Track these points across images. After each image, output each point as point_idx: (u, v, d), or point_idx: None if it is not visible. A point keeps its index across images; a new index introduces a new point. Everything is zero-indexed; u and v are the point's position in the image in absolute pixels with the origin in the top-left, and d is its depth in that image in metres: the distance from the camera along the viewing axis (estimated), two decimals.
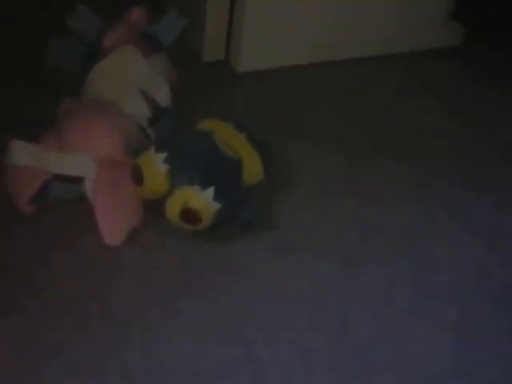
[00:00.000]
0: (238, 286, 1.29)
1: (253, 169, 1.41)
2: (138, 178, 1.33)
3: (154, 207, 1.34)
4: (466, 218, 1.49)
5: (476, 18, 1.87)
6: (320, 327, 1.25)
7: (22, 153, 1.35)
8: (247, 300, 1.27)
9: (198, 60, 1.79)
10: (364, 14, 1.81)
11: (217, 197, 1.31)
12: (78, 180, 1.35)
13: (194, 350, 1.18)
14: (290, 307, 1.27)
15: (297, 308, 1.27)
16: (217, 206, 1.31)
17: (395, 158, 1.61)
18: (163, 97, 1.48)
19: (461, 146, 1.66)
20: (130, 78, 1.48)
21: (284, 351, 1.20)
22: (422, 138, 1.68)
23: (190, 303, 1.25)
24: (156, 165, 1.33)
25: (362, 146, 1.63)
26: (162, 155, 1.33)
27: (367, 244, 1.40)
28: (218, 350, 1.19)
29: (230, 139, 1.41)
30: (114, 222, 1.33)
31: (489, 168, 1.62)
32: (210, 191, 1.31)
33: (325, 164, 1.56)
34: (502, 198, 1.54)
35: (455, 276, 1.36)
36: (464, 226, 1.46)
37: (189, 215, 1.30)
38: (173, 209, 1.31)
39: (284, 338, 1.22)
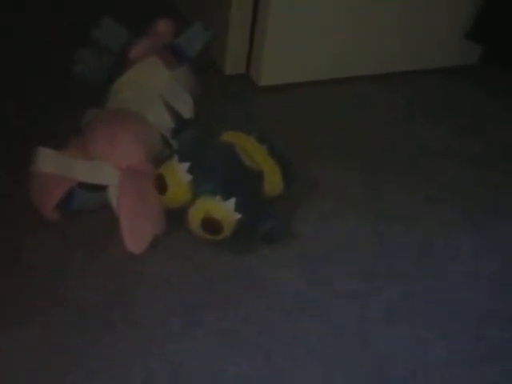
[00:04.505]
0: (257, 296, 1.31)
1: (273, 181, 1.43)
2: (161, 186, 1.35)
3: (176, 216, 1.37)
4: (480, 233, 1.51)
5: (491, 37, 1.89)
6: (338, 338, 1.26)
7: (47, 160, 1.37)
8: (267, 310, 1.29)
9: (219, 73, 1.82)
10: (380, 31, 1.84)
11: (238, 207, 1.33)
12: (102, 188, 1.37)
13: (215, 357, 1.20)
14: (308, 318, 1.29)
15: (315, 319, 1.29)
16: (237, 216, 1.33)
17: (410, 175, 1.63)
18: (186, 108, 1.50)
19: (473, 164, 1.68)
20: (154, 90, 1.50)
21: (303, 361, 1.22)
22: (435, 156, 1.70)
23: (212, 311, 1.27)
24: (179, 174, 1.35)
25: (378, 162, 1.65)
26: (186, 165, 1.36)
27: (383, 259, 1.42)
28: (239, 359, 1.20)
29: (252, 151, 1.43)
30: (137, 230, 1.34)
31: (503, 185, 1.64)
32: (232, 202, 1.33)
33: (343, 178, 1.59)
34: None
35: (468, 292, 1.38)
36: (479, 242, 1.48)
37: (210, 225, 1.32)
38: (194, 218, 1.34)
39: (303, 348, 1.24)
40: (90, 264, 1.32)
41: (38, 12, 1.95)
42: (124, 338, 1.21)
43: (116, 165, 1.37)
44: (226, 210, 1.33)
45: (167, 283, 1.31)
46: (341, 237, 1.45)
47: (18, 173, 1.40)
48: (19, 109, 1.63)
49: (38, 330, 1.20)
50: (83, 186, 1.36)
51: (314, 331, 1.27)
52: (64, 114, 1.56)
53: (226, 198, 1.33)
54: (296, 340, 1.25)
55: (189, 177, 1.35)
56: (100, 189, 1.37)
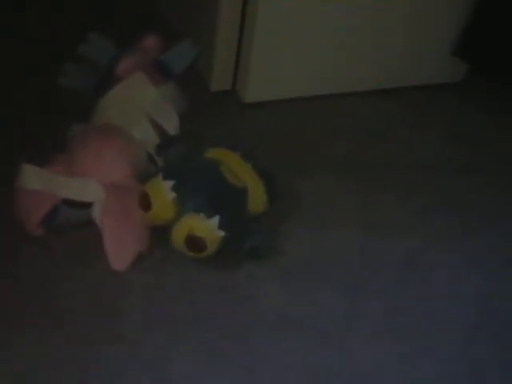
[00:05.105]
0: (242, 312, 1.31)
1: (258, 198, 1.44)
2: (145, 204, 1.36)
3: (159, 233, 1.37)
4: (469, 245, 1.51)
5: (478, 54, 1.90)
6: (323, 354, 1.27)
7: (32, 177, 1.38)
8: (252, 325, 1.30)
9: (205, 89, 1.82)
10: (368, 48, 1.85)
11: (222, 225, 1.33)
12: (86, 205, 1.37)
13: (200, 373, 1.21)
14: (291, 333, 1.29)
15: (300, 335, 1.29)
16: (221, 234, 1.34)
17: (401, 188, 1.64)
18: (172, 125, 1.50)
19: (464, 175, 1.69)
20: (140, 106, 1.50)
21: (288, 377, 1.23)
22: (427, 168, 1.71)
23: (196, 326, 1.27)
24: (163, 192, 1.36)
25: (366, 176, 1.66)
26: (170, 183, 1.36)
27: (369, 273, 1.43)
28: (223, 373, 1.21)
29: (237, 168, 1.44)
30: (120, 247, 1.35)
31: (496, 196, 1.65)
32: (215, 219, 1.33)
33: (329, 194, 1.59)
34: (503, 228, 1.57)
35: (455, 306, 1.39)
36: (464, 257, 1.49)
37: (194, 243, 1.33)
38: (178, 236, 1.34)
39: (288, 364, 1.24)
40: (73, 280, 1.32)
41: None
42: (110, 351, 1.21)
43: (100, 180, 1.37)
44: (209, 228, 1.33)
45: (152, 299, 1.32)
46: (327, 251, 1.46)
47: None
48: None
49: (23, 343, 1.21)
50: (67, 202, 1.36)
51: (299, 347, 1.28)
52: (49, 129, 1.55)
53: (210, 215, 1.33)
54: (281, 356, 1.26)
55: (173, 195, 1.36)
56: (84, 206, 1.37)
